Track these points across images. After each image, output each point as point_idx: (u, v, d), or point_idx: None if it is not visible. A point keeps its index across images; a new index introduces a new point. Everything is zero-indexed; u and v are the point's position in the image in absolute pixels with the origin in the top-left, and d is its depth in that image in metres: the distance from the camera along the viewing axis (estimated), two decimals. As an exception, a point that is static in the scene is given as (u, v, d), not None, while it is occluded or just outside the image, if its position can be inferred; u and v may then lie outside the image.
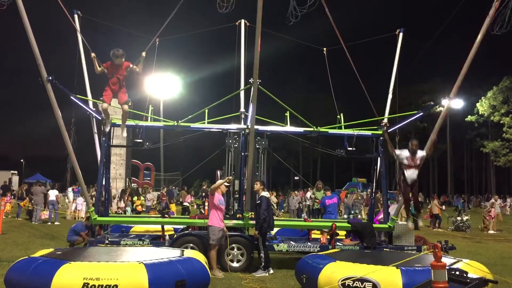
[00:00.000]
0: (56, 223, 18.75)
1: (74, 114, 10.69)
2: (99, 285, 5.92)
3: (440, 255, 4.84)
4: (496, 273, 7.95)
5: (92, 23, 12.07)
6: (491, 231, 19.79)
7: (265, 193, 9.67)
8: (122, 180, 28.93)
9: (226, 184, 9.92)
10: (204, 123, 11.12)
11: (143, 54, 8.54)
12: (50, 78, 8.11)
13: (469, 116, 55.38)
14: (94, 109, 11.20)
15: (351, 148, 11.04)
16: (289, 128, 11.49)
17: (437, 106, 14.56)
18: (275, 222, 10.12)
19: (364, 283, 6.45)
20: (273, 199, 23.89)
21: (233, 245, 9.56)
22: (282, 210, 29.79)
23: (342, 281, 6.55)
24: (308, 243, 10.38)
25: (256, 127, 9.86)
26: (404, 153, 8.79)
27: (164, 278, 6.29)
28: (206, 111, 11.16)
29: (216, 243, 9.08)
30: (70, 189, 22.25)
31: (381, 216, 11.85)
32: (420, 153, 8.77)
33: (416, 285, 5.38)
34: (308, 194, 23.20)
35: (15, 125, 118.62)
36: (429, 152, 9.03)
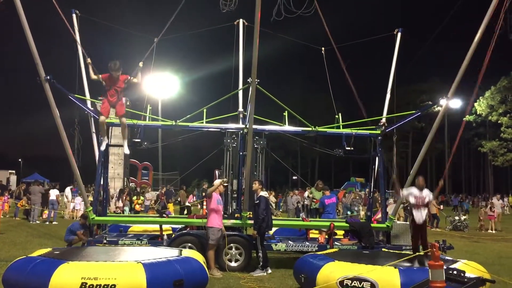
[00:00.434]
0: (54, 222, 18.72)
1: (75, 114, 10.69)
2: (97, 285, 5.92)
3: (437, 255, 4.85)
4: (493, 272, 7.97)
5: (91, 22, 12.06)
6: (491, 231, 19.82)
7: (263, 193, 9.66)
8: (120, 179, 28.90)
9: (223, 184, 9.92)
10: (203, 122, 11.12)
11: (140, 64, 8.62)
12: (48, 77, 8.10)
13: (467, 116, 55.46)
14: (92, 108, 11.19)
15: (349, 148, 11.05)
16: (287, 127, 11.49)
17: (435, 106, 14.56)
18: (274, 222, 10.12)
19: (362, 282, 6.47)
20: (272, 199, 23.89)
21: (231, 244, 9.56)
22: (281, 210, 29.79)
23: (340, 280, 6.56)
24: (306, 243, 10.38)
25: (254, 126, 9.86)
26: (412, 192, 8.73)
27: (162, 278, 6.29)
28: (205, 110, 11.16)
29: (215, 243, 9.08)
30: (68, 189, 22.23)
31: (379, 215, 11.86)
32: (427, 192, 8.73)
33: (413, 284, 5.40)
34: (306, 193, 23.23)
35: (13, 124, 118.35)
36: (436, 195, 8.98)
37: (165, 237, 10.22)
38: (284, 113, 11.51)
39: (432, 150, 58.89)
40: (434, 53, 66.44)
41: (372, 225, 10.77)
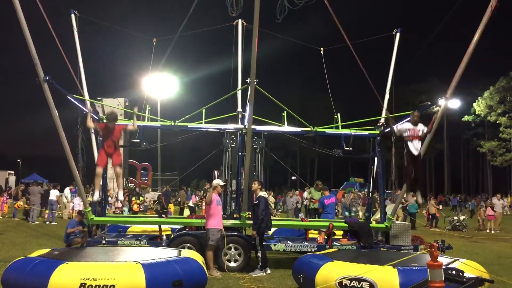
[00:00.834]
0: (53, 223, 18.71)
1: (73, 114, 10.67)
2: (96, 285, 5.93)
3: (436, 255, 4.86)
4: (492, 272, 7.98)
5: (90, 23, 12.07)
6: (488, 231, 19.85)
7: (263, 193, 9.67)
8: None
9: (221, 184, 9.92)
10: (202, 123, 11.12)
11: (135, 110, 8.67)
12: (47, 78, 8.10)
13: (466, 116, 55.53)
14: (91, 109, 11.18)
15: (348, 148, 11.06)
16: (286, 128, 11.49)
17: (434, 106, 14.55)
18: (273, 222, 10.12)
19: (361, 282, 6.47)
20: (271, 199, 23.90)
21: (231, 245, 9.56)
22: (280, 210, 29.81)
23: (339, 280, 6.56)
24: (305, 243, 10.39)
25: (253, 127, 9.87)
26: (405, 126, 8.72)
27: (161, 278, 6.30)
28: (204, 111, 11.16)
29: (215, 244, 9.08)
30: (67, 189, 22.14)
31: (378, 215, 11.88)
32: (422, 126, 8.70)
33: (412, 284, 5.41)
34: (305, 194, 23.23)
35: (11, 125, 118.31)
36: (430, 129, 8.93)
37: (164, 237, 10.23)
38: (283, 114, 11.51)
39: (431, 150, 58.95)
40: (433, 53, 66.59)
41: (371, 225, 10.78)
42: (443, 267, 4.93)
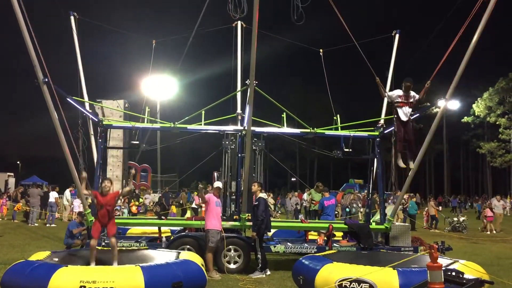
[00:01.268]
0: (52, 225, 18.69)
1: (73, 116, 10.67)
2: (95, 288, 5.91)
3: (436, 256, 4.85)
4: (492, 273, 7.98)
5: (90, 25, 12.07)
6: (488, 232, 19.85)
7: (262, 195, 9.67)
8: (119, 182, 28.85)
9: (220, 186, 9.93)
10: (201, 124, 11.12)
11: (133, 171, 8.70)
12: (46, 79, 8.10)
13: (465, 117, 55.61)
14: (90, 111, 11.19)
15: (347, 149, 11.06)
16: (285, 129, 11.49)
17: (434, 107, 14.58)
18: (272, 224, 10.11)
19: (361, 284, 6.46)
20: (270, 201, 23.87)
21: (230, 246, 9.54)
22: (280, 212, 29.80)
23: (339, 282, 6.55)
24: (305, 245, 10.38)
25: (252, 128, 9.87)
26: (396, 92, 8.73)
27: (160, 281, 6.29)
28: (203, 112, 11.16)
29: (214, 246, 9.08)
30: (68, 191, 22.06)
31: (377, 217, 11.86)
32: (413, 93, 8.70)
33: (412, 286, 5.40)
34: (305, 195, 23.20)
35: (11, 127, 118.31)
36: (422, 97, 8.93)
37: (163, 239, 10.22)
38: (282, 115, 11.51)
39: (430, 151, 58.99)
40: (433, 55, 66.51)
41: (371, 226, 10.77)
42: (443, 268, 4.93)
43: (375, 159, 11.32)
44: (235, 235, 9.88)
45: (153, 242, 10.14)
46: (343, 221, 11.72)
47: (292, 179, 64.94)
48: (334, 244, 10.55)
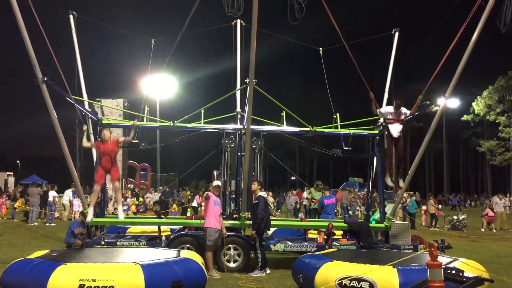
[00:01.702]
0: (52, 224, 18.68)
1: (71, 115, 10.68)
2: (95, 286, 5.92)
3: (436, 254, 4.85)
4: (492, 271, 7.98)
5: (89, 24, 12.05)
6: (494, 230, 19.85)
7: (262, 193, 9.67)
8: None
9: (219, 184, 9.93)
10: (201, 123, 11.11)
11: (135, 123, 8.76)
12: (46, 79, 8.09)
13: (465, 116, 55.60)
14: (89, 109, 11.17)
15: (347, 148, 11.05)
16: (285, 128, 11.49)
17: (433, 106, 14.59)
18: (272, 222, 10.11)
19: (361, 282, 6.47)
20: (270, 199, 23.87)
21: (230, 245, 9.55)
22: (280, 211, 29.78)
23: (338, 280, 6.56)
24: (305, 243, 10.38)
25: (252, 127, 9.86)
26: (387, 109, 8.78)
27: (160, 279, 6.29)
28: (202, 111, 11.15)
29: (212, 244, 9.07)
30: (69, 191, 21.91)
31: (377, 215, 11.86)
32: (405, 110, 8.73)
33: (412, 284, 5.40)
34: (305, 194, 23.19)
35: (10, 126, 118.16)
36: (413, 112, 8.96)
37: (163, 238, 10.21)
38: (282, 113, 11.50)
39: (430, 149, 59.00)
40: (432, 53, 66.46)
41: (371, 225, 10.77)
42: (443, 266, 4.92)
43: (375, 158, 11.31)
44: (235, 234, 9.88)
45: (153, 241, 10.14)
46: (343, 220, 11.70)
47: (292, 177, 64.92)
48: (334, 243, 10.55)
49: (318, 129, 11.37)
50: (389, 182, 8.53)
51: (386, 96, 11.79)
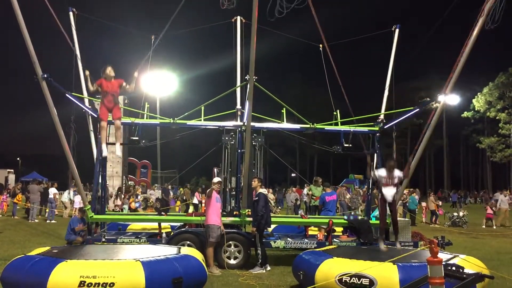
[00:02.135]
0: (53, 221, 18.71)
1: (70, 112, 10.65)
2: (95, 283, 5.91)
3: (436, 251, 4.85)
4: (492, 268, 7.98)
5: (89, 20, 12.03)
6: (494, 226, 19.89)
7: (262, 190, 9.67)
8: (119, 178, 28.85)
9: (220, 180, 9.94)
10: (201, 120, 11.10)
11: (135, 74, 8.85)
12: (45, 76, 8.08)
13: (465, 112, 55.58)
14: (89, 106, 11.16)
15: (347, 145, 11.04)
16: (285, 125, 11.47)
17: (434, 102, 14.53)
18: (272, 219, 10.11)
19: (361, 279, 6.47)
20: (270, 196, 23.88)
21: (230, 242, 9.56)
22: (280, 208, 29.78)
23: (339, 277, 6.56)
24: (305, 240, 10.38)
25: (252, 124, 9.85)
26: (381, 173, 8.80)
27: (161, 276, 6.28)
28: (202, 108, 11.14)
29: (215, 241, 9.09)
30: (71, 191, 21.81)
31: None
32: (397, 173, 8.75)
33: (412, 280, 5.41)
34: (305, 190, 23.18)
35: (11, 123, 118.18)
36: (406, 175, 9.00)
37: (163, 235, 10.22)
38: (282, 110, 11.49)
39: (430, 146, 59.01)
40: (433, 50, 66.49)
41: (371, 221, 10.77)
42: (443, 263, 4.92)
43: (375, 154, 11.31)
44: (235, 231, 9.89)
45: (153, 238, 10.15)
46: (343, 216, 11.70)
47: (292, 174, 64.98)
48: (334, 239, 10.56)
49: (318, 126, 11.35)
50: (382, 246, 8.45)
51: (386, 93, 11.77)
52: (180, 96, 45.18)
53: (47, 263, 6.27)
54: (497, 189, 31.11)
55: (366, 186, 19.30)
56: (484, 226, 20.20)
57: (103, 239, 9.80)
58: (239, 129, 10.70)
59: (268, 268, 9.21)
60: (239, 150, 10.56)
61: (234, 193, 11.06)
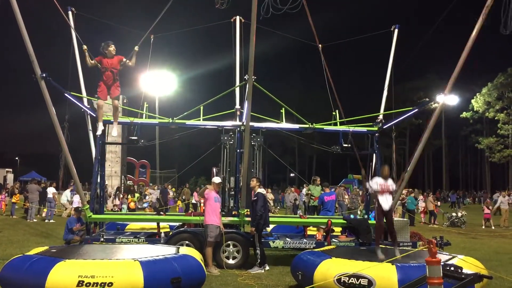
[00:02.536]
0: (51, 221, 18.68)
1: (68, 111, 10.63)
2: (94, 283, 5.90)
3: (435, 251, 4.85)
4: (491, 268, 8.00)
5: (87, 20, 12.01)
6: (492, 227, 19.90)
7: (261, 190, 9.66)
8: (118, 177, 28.86)
9: (216, 182, 9.93)
10: (200, 120, 11.10)
11: (136, 48, 8.81)
12: (44, 75, 8.07)
13: (464, 113, 55.62)
14: (88, 106, 11.16)
15: (346, 145, 11.04)
16: (284, 124, 11.47)
17: (432, 103, 14.57)
18: (271, 219, 10.11)
19: (360, 279, 6.47)
20: (269, 196, 23.87)
21: (229, 242, 9.56)
22: (278, 208, 29.80)
23: (337, 277, 6.56)
24: (304, 240, 10.38)
25: (251, 123, 9.85)
26: (377, 180, 8.80)
27: (159, 276, 6.27)
28: (202, 108, 11.14)
29: (214, 240, 9.09)
30: (68, 191, 21.71)
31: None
32: (391, 182, 8.77)
33: (411, 281, 5.41)
34: (304, 190, 23.17)
35: (9, 123, 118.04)
36: (399, 187, 9.02)
37: (162, 235, 10.21)
38: (281, 110, 11.49)
39: (429, 146, 59.08)
40: (432, 50, 66.52)
41: (370, 222, 10.77)
42: (442, 263, 4.93)
43: (374, 154, 11.31)
44: (234, 231, 9.88)
45: (152, 238, 10.14)
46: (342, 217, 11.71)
47: (291, 174, 64.98)
48: (333, 240, 10.56)
49: (317, 126, 11.36)
50: (380, 254, 8.33)
51: (385, 93, 11.77)
52: (179, 96, 45.22)
53: (46, 263, 6.25)
54: (495, 190, 31.16)
55: (363, 188, 19.34)
56: (484, 227, 20.21)
57: (102, 239, 9.79)
58: (238, 129, 10.70)
59: (267, 268, 9.21)
60: (238, 150, 10.56)
61: (233, 193, 11.06)
